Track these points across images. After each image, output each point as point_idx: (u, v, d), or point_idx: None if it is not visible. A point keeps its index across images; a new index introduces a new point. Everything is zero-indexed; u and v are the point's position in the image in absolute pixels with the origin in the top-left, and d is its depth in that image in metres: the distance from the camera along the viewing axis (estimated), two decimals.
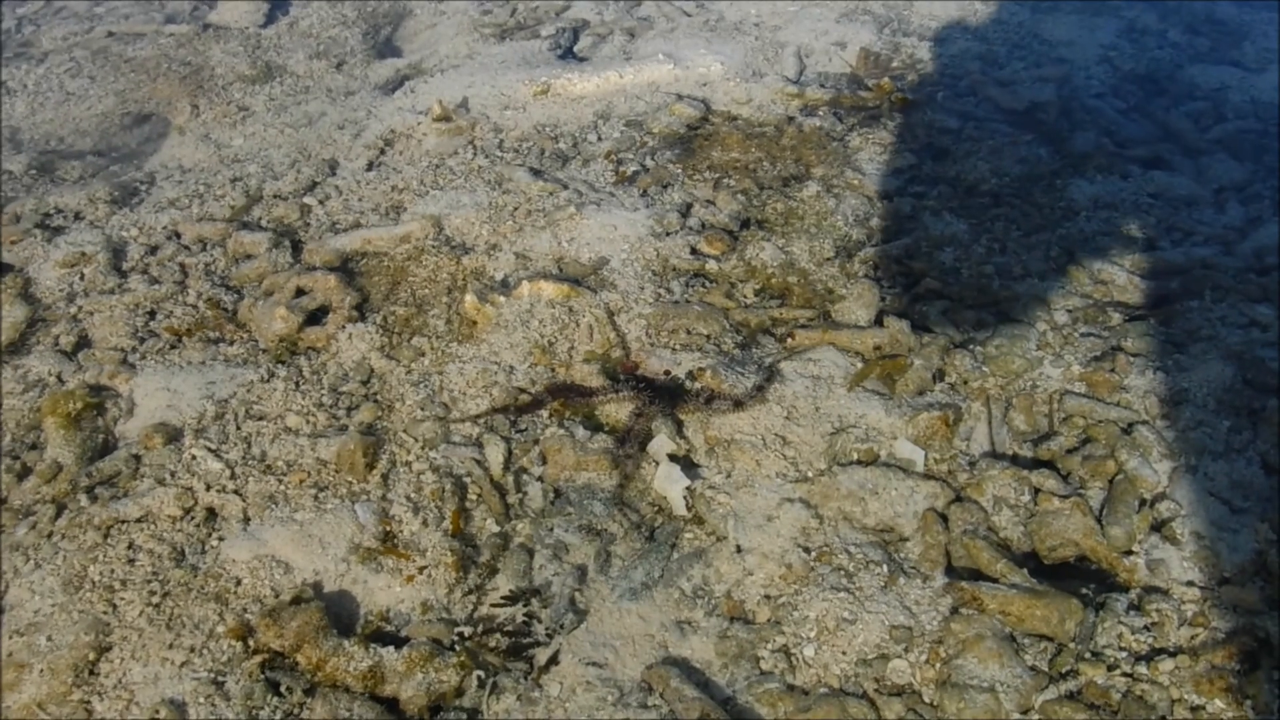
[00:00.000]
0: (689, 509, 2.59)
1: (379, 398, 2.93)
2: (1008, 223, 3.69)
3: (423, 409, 2.86)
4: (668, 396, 2.82)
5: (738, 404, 2.78)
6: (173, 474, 2.65)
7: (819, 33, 5.00)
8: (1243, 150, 4.18)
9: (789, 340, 3.07)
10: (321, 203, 3.88)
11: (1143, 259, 3.47)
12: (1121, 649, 2.23)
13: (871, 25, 5.06)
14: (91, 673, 2.20)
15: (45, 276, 3.47)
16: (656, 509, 2.62)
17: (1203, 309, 3.23)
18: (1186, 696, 2.12)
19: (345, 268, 3.49)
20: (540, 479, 2.67)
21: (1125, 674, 2.16)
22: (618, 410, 2.86)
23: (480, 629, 2.30)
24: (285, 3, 5.63)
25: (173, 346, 3.15)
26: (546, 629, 2.31)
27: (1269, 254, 3.52)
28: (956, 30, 5.08)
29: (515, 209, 3.71)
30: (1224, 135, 4.28)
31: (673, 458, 2.69)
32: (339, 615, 2.33)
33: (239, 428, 2.81)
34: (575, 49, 5.07)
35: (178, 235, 3.72)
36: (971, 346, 3.06)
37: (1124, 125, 4.35)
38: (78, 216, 3.84)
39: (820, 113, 4.36)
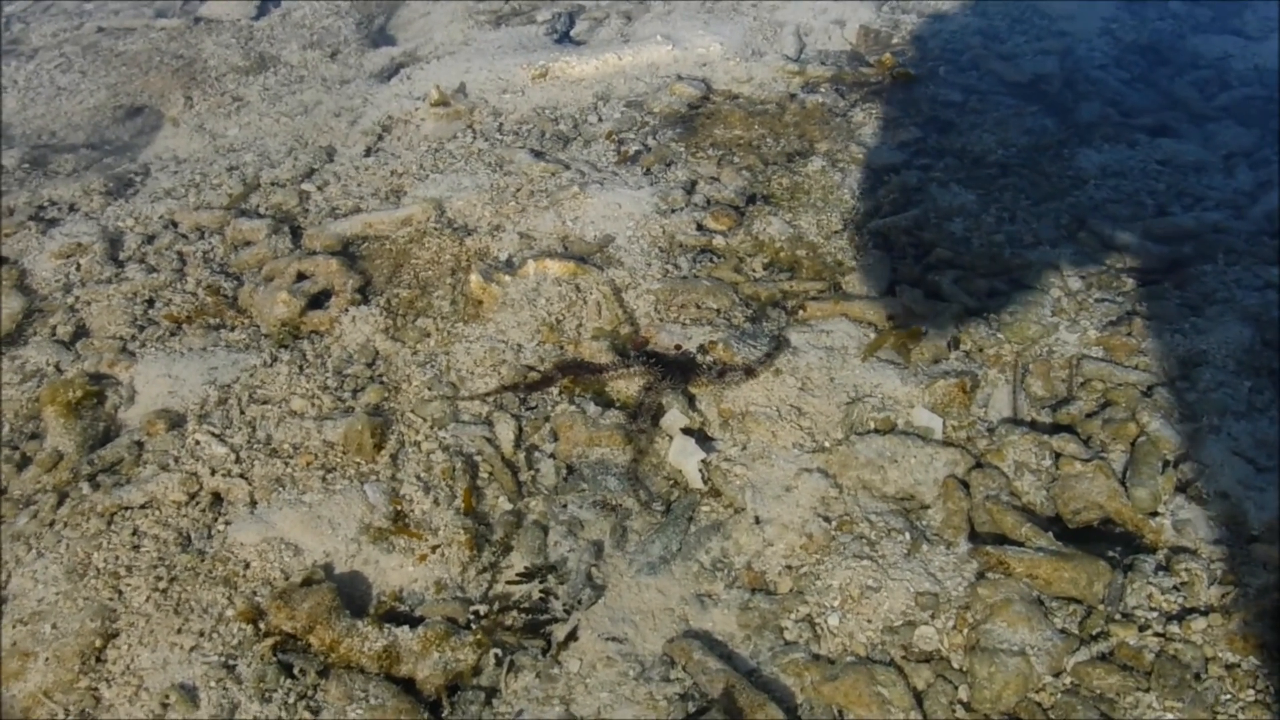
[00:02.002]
0: (705, 482, 2.54)
1: (385, 379, 2.87)
2: (1016, 192, 3.64)
3: (430, 389, 2.81)
4: (680, 371, 2.77)
5: (749, 371, 2.73)
6: (176, 459, 2.60)
7: (817, 11, 4.96)
8: (1249, 116, 4.14)
9: (801, 311, 3.02)
10: (320, 189, 3.82)
11: (1154, 224, 3.43)
12: (1152, 609, 2.18)
13: (870, 2, 5.01)
14: (98, 659, 2.14)
15: (40, 268, 3.41)
16: (672, 483, 2.57)
17: (1217, 272, 3.19)
18: (1220, 655, 2.07)
19: (346, 252, 3.43)
20: (552, 455, 2.62)
21: (1157, 634, 2.12)
22: (628, 386, 2.81)
23: (496, 607, 2.24)
24: None
25: (173, 334, 3.10)
26: (564, 605, 2.25)
27: None
28: (956, 6, 5.04)
29: (517, 190, 3.66)
30: (1230, 102, 4.24)
31: (687, 431, 2.64)
32: (351, 596, 2.27)
33: (243, 412, 2.76)
34: (572, 33, 5.01)
35: (174, 224, 3.66)
36: (986, 314, 3.01)
37: (1128, 95, 4.31)
38: (72, 208, 3.78)
39: (822, 89, 4.31)
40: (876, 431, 2.63)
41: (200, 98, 4.61)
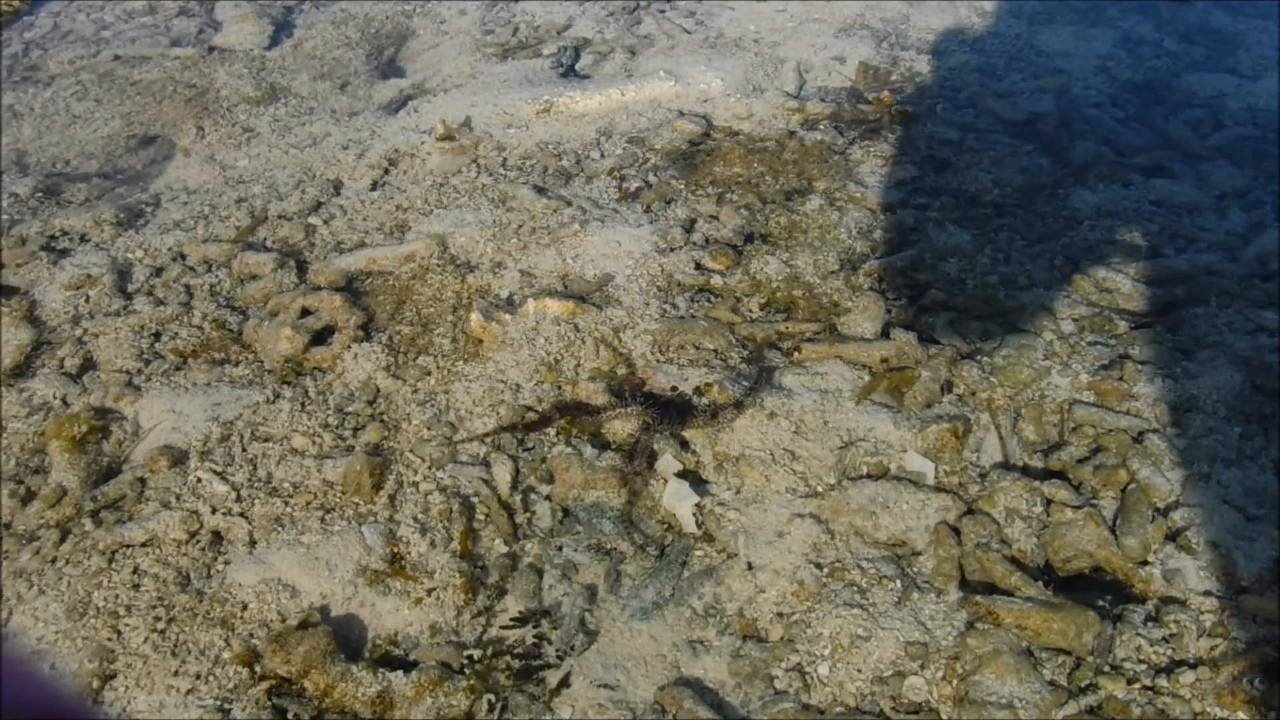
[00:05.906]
0: (699, 526, 2.56)
1: (385, 418, 2.92)
2: (1011, 233, 3.69)
3: (429, 428, 2.85)
4: (675, 412, 2.81)
5: (739, 405, 2.78)
6: (178, 497, 2.64)
7: (818, 48, 5.03)
8: (1243, 156, 4.19)
9: (795, 355, 3.06)
10: (326, 222, 3.89)
11: (1147, 266, 3.47)
12: (1141, 662, 2.20)
13: (870, 40, 5.09)
14: (95, 701, 2.17)
15: (50, 299, 3.47)
16: (666, 527, 2.60)
17: (1209, 315, 3.22)
18: (1209, 710, 2.09)
19: (351, 287, 3.49)
20: (548, 498, 2.65)
21: (1146, 687, 2.13)
22: (624, 427, 2.84)
23: (490, 651, 2.27)
24: (290, 25, 5.68)
25: (178, 368, 3.15)
26: (557, 650, 2.28)
27: (1273, 259, 3.52)
28: (954, 43, 5.11)
29: (519, 227, 3.72)
30: (1223, 142, 4.29)
31: (681, 474, 2.67)
32: (347, 639, 2.30)
33: (245, 449, 2.80)
34: (577, 67, 5.10)
35: (183, 256, 3.73)
36: (979, 357, 3.04)
37: (1124, 134, 4.36)
38: (83, 239, 3.85)
39: (821, 126, 4.38)
40: (869, 476, 2.66)
41: (212, 128, 4.69)
